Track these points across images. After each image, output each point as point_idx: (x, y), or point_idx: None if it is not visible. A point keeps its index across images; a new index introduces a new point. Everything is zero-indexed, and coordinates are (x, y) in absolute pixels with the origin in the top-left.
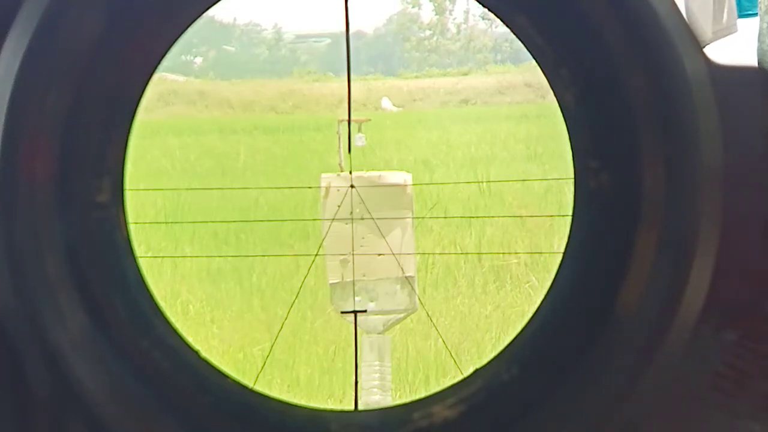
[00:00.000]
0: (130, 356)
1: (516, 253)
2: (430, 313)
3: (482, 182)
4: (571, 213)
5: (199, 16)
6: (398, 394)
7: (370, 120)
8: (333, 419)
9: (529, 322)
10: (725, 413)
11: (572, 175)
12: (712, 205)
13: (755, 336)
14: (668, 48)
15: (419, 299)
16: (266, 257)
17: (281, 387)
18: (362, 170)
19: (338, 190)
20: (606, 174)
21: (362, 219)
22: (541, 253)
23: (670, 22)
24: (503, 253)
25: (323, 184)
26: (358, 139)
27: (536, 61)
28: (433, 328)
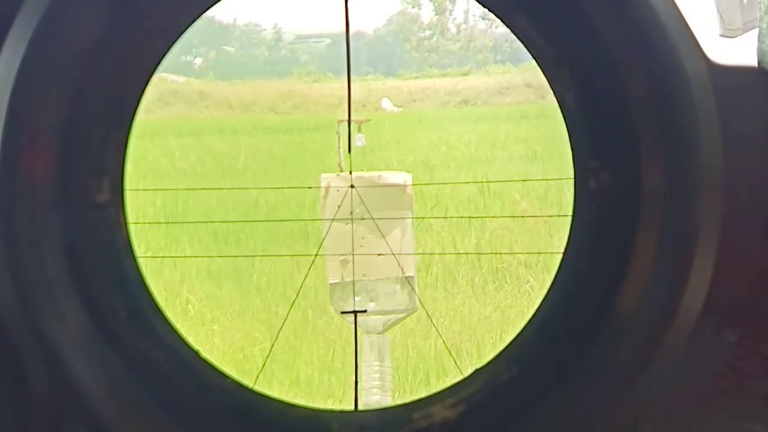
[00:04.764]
0: (130, 356)
1: (516, 253)
2: (430, 313)
3: (482, 182)
4: (571, 213)
5: (199, 16)
6: (398, 395)
7: (370, 120)
8: (333, 419)
9: (529, 322)
10: (725, 413)
11: (572, 175)
12: (712, 205)
13: (755, 336)
14: (668, 48)
15: (419, 299)
16: (266, 257)
17: (281, 387)
18: (362, 170)
19: (338, 190)
20: (606, 174)
21: (362, 219)
22: (541, 253)
23: (670, 22)
24: (503, 253)
25: (323, 184)
26: (358, 140)
27: (536, 62)
28: (433, 328)
